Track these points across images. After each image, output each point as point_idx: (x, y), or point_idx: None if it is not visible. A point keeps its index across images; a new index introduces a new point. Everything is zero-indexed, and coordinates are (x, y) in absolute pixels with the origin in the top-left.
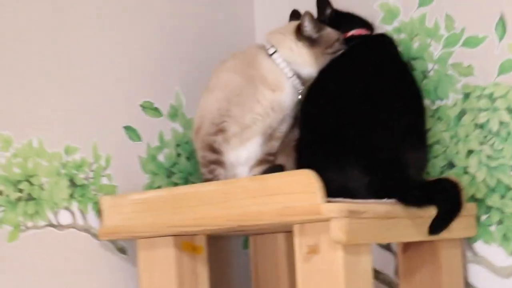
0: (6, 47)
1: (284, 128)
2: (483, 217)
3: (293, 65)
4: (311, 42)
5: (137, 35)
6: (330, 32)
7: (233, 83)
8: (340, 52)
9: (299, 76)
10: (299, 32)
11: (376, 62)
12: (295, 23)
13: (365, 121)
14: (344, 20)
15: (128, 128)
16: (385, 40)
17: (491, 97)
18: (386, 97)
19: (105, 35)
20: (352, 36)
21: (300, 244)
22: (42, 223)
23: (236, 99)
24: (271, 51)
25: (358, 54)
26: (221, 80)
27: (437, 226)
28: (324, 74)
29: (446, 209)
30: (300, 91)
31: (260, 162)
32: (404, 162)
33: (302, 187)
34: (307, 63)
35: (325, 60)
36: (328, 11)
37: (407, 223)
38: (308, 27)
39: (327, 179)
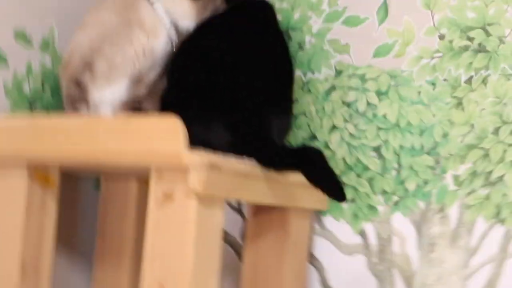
0: None
1: (152, 75)
2: None
3: (173, 15)
4: None
5: None
6: None
7: (108, 22)
8: (221, 9)
9: (176, 27)
10: None
11: (252, 27)
12: None
13: (232, 81)
14: None
15: None
16: (264, 6)
17: (362, 78)
18: (256, 62)
19: None
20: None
21: (155, 190)
22: None
23: (110, 38)
24: None
25: (235, 16)
26: (97, 17)
27: (337, 192)
28: (200, 30)
29: (318, 174)
30: (174, 42)
31: (125, 105)
32: (267, 124)
33: (167, 132)
34: (187, 15)
35: (205, 15)
36: None
37: (265, 184)
38: None
39: (191, 131)
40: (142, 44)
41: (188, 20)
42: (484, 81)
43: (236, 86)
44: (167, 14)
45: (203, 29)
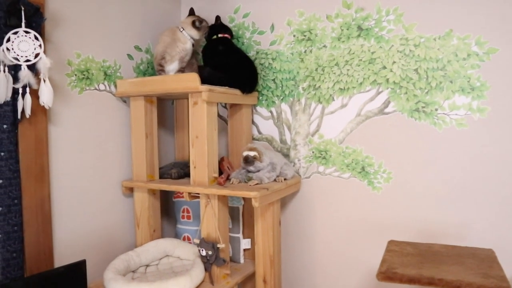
0: None
1: (187, 58)
2: None
3: (190, 35)
4: (197, 28)
5: None
6: (205, 26)
7: (167, 40)
8: (206, 34)
9: (192, 40)
10: (193, 24)
11: (232, 46)
12: (192, 18)
13: (234, 65)
14: (219, 27)
15: None
16: (231, 41)
17: (266, 56)
18: (239, 58)
19: None
20: (223, 36)
21: (191, 101)
22: None
23: (169, 45)
24: (181, 29)
25: (221, 42)
26: (162, 39)
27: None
28: (218, 46)
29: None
30: (193, 46)
31: (178, 71)
32: (242, 75)
33: (192, 79)
34: (195, 36)
35: (202, 36)
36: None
37: (233, 95)
38: (197, 23)
39: (215, 78)
40: (180, 46)
41: (196, 37)
42: (311, 51)
43: (227, 64)
44: (188, 35)
45: (218, 46)
